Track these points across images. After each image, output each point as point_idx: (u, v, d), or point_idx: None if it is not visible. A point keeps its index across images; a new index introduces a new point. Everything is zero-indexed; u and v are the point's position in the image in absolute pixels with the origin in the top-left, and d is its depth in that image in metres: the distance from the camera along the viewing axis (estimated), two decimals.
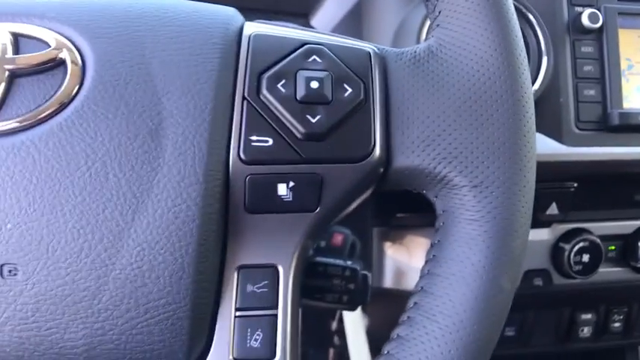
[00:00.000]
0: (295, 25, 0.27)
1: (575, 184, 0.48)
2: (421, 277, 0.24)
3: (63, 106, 0.22)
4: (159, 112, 0.22)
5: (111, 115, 0.22)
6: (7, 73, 0.22)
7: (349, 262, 0.32)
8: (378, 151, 0.24)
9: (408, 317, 0.23)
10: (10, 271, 0.21)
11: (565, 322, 0.54)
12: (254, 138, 0.23)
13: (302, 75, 0.24)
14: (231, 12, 0.26)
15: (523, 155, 0.24)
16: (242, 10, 0.52)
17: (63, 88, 0.22)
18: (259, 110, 0.23)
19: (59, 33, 0.23)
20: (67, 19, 0.24)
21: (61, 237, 0.21)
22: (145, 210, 0.22)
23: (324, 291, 0.30)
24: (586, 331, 0.54)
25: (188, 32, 0.24)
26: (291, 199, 0.23)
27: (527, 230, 0.25)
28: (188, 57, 0.23)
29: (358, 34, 0.48)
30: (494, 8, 0.25)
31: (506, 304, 0.24)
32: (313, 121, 0.23)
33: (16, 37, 0.23)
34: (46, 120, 0.22)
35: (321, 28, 0.54)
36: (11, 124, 0.22)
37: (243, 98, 0.23)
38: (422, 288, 0.24)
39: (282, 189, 0.23)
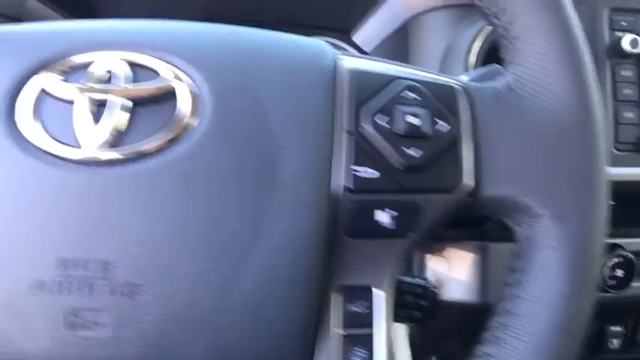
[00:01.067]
0: (384, 60, 0.30)
1: (613, 203, 0.50)
2: (505, 299, 0.27)
3: (181, 136, 0.24)
4: (272, 144, 0.24)
5: (228, 146, 0.24)
6: (130, 101, 0.24)
7: (419, 279, 0.34)
8: (467, 181, 0.26)
9: (496, 337, 0.26)
10: (136, 292, 0.23)
11: (595, 334, 0.57)
12: (357, 168, 0.25)
13: (400, 110, 0.26)
14: (324, 45, 0.28)
15: (599, 185, 0.26)
16: (285, 25, 0.55)
17: (179, 117, 0.24)
18: (361, 143, 0.25)
19: (171, 64, 0.25)
20: (180, 50, 0.26)
21: (185, 260, 0.23)
22: (263, 234, 0.24)
23: (396, 307, 0.32)
24: (615, 343, 0.56)
25: (292, 65, 0.26)
26: (389, 225, 0.25)
27: (602, 255, 0.27)
28: (294, 90, 0.25)
29: (404, 54, 0.51)
30: (570, 49, 0.27)
31: (585, 325, 0.26)
32: (412, 154, 0.25)
33: (134, 67, 0.25)
34: (167, 148, 0.24)
35: (363, 45, 0.56)
36: (136, 151, 0.24)
37: (345, 131, 0.25)
38: (507, 310, 0.26)
39: (381, 216, 0.25)
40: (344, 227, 0.25)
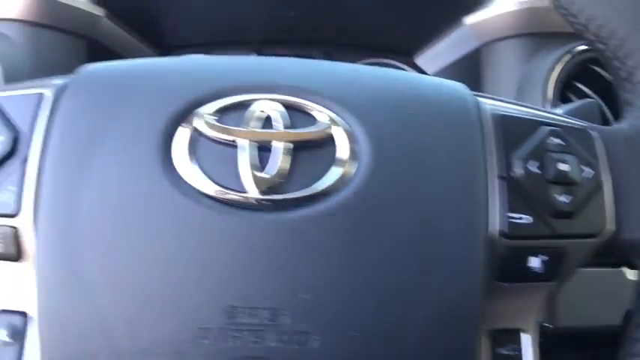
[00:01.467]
0: (516, 102, 0.30)
1: None
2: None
3: (342, 182, 0.24)
4: (430, 189, 0.25)
5: (388, 191, 0.24)
6: (291, 145, 0.24)
7: None
8: (609, 225, 0.27)
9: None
10: (305, 340, 0.23)
11: None
12: (511, 215, 0.25)
13: (550, 156, 0.26)
14: (461, 86, 0.28)
15: None
16: (349, 47, 0.55)
17: (340, 162, 0.24)
18: (514, 188, 0.26)
19: (327, 107, 0.25)
20: (334, 94, 0.26)
21: (353, 307, 0.23)
22: (428, 282, 0.24)
23: None
24: None
25: (440, 109, 0.26)
26: (540, 270, 0.26)
27: None
28: (446, 134, 0.26)
29: (474, 80, 0.51)
30: None
31: None
32: (563, 200, 0.26)
33: (288, 110, 0.25)
34: (329, 194, 0.24)
35: (427, 68, 0.57)
36: (301, 196, 0.24)
37: (497, 176, 0.26)
38: None
39: (533, 261, 0.26)
40: (496, 272, 0.25)
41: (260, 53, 0.58)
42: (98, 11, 0.50)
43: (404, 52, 0.58)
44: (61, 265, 0.23)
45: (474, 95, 0.28)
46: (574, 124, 0.28)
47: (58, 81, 0.28)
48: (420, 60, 0.57)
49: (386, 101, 0.26)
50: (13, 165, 0.25)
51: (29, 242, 0.25)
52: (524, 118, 0.27)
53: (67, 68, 0.49)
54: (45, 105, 0.26)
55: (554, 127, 0.27)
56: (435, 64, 0.56)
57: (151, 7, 0.54)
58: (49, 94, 0.27)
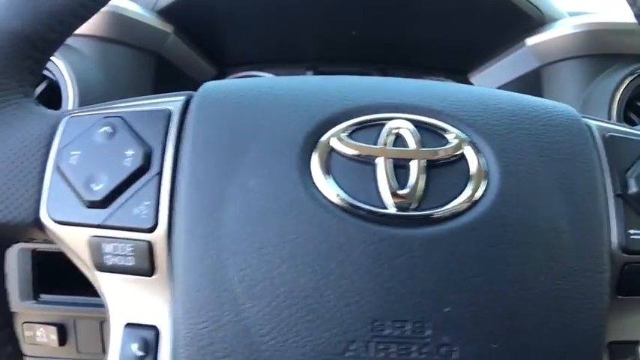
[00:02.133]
0: (616, 122, 0.31)
1: None
2: None
3: (475, 200, 0.25)
4: (557, 210, 0.26)
5: (517, 212, 0.25)
6: (425, 162, 0.26)
7: None
8: None
9: None
10: (446, 352, 0.24)
11: None
12: (632, 232, 0.27)
13: None
14: (571, 108, 0.30)
15: None
16: (403, 64, 0.56)
17: (473, 181, 0.26)
18: (631, 206, 0.27)
19: (456, 127, 0.27)
20: (463, 115, 0.27)
21: (493, 319, 0.24)
22: (562, 293, 0.25)
23: None
24: None
25: (563, 131, 0.28)
26: None
27: None
28: (569, 157, 0.27)
29: None
30: None
31: None
32: None
33: (419, 129, 0.26)
34: (464, 211, 0.25)
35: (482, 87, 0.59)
36: (437, 213, 0.25)
37: (615, 195, 0.27)
38: None
39: None
40: (616, 286, 0.27)
41: (316, 70, 0.59)
42: (167, 28, 0.52)
43: (458, 70, 0.59)
44: (205, 279, 0.24)
45: (581, 116, 0.30)
46: None
47: (178, 97, 0.29)
48: (475, 78, 0.59)
49: (507, 120, 0.27)
50: (148, 180, 0.26)
51: (161, 257, 0.26)
52: (632, 138, 0.29)
53: (135, 82, 0.51)
54: (174, 121, 0.28)
55: None
56: (489, 82, 0.57)
57: (213, 26, 0.55)
58: (174, 110, 0.28)
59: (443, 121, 0.27)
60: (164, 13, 0.52)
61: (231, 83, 0.29)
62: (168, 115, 0.28)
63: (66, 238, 0.27)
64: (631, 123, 0.49)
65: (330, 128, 0.26)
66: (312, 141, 0.26)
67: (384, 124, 0.26)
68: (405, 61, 0.59)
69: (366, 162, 0.26)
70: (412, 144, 0.26)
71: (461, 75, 0.59)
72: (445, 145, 0.26)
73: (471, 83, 0.60)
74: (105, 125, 0.27)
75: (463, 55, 0.58)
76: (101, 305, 0.55)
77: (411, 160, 0.25)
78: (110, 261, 0.26)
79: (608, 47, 0.50)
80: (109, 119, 0.28)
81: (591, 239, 0.26)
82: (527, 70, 0.54)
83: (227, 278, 0.24)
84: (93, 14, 0.31)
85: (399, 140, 0.26)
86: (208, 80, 0.65)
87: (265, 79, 0.30)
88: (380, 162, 0.25)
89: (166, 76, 0.53)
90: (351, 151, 0.26)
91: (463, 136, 0.26)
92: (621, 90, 0.47)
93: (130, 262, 0.26)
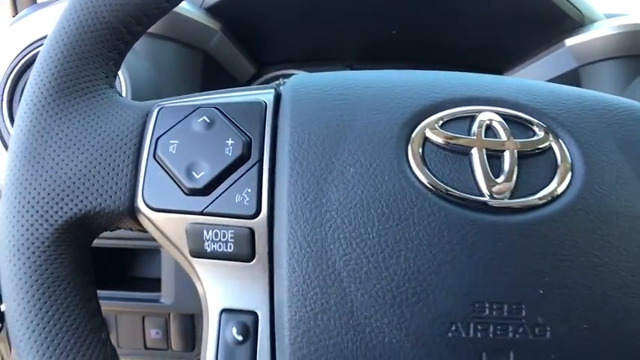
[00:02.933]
0: None
1: None
2: None
3: (561, 193, 0.27)
4: (636, 199, 0.27)
5: (606, 206, 0.27)
6: (516, 153, 0.27)
7: None
8: None
9: None
10: (540, 332, 0.26)
11: None
12: None
13: None
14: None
15: None
16: (439, 63, 0.58)
17: (558, 175, 0.27)
18: None
19: (542, 122, 0.28)
20: (551, 111, 0.29)
21: (583, 301, 0.26)
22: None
23: None
24: None
25: (637, 126, 0.29)
26: None
27: None
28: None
29: None
30: None
31: None
32: None
33: (507, 122, 0.28)
34: (554, 200, 0.27)
35: None
36: (530, 201, 0.26)
37: None
38: None
39: None
40: None
41: (352, 69, 0.61)
42: (215, 25, 0.53)
43: (493, 69, 0.61)
44: (310, 264, 0.26)
45: None
46: None
47: (267, 90, 0.30)
48: (510, 77, 0.61)
49: (589, 115, 0.29)
50: (249, 168, 0.28)
51: (262, 243, 0.27)
52: None
53: (184, 78, 0.52)
54: (269, 112, 0.29)
55: None
56: None
57: (256, 24, 0.57)
58: (268, 102, 0.29)
59: (529, 115, 0.28)
60: (211, 11, 0.53)
61: (320, 76, 0.31)
62: (263, 106, 0.29)
63: (163, 225, 0.28)
64: None
65: (423, 120, 0.28)
66: (407, 131, 0.27)
67: (474, 117, 0.28)
68: (440, 60, 0.60)
69: (461, 152, 0.27)
70: (503, 135, 0.27)
71: (495, 73, 0.61)
72: (532, 137, 0.28)
73: None
74: (202, 115, 0.29)
75: (500, 54, 0.60)
76: (143, 300, 0.56)
77: (504, 150, 0.27)
78: (210, 247, 0.27)
79: None
80: (205, 109, 0.29)
81: None
82: (565, 70, 0.56)
83: (331, 262, 0.26)
84: (173, 8, 0.33)
85: (489, 132, 0.28)
86: (248, 78, 0.67)
87: (353, 72, 0.31)
88: (475, 152, 0.27)
89: (212, 73, 0.54)
90: (445, 141, 0.27)
91: (550, 129, 0.28)
92: None
93: (230, 248, 0.27)
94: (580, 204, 0.27)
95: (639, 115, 0.30)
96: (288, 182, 0.27)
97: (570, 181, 0.27)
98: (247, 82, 0.60)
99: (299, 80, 0.30)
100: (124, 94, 0.47)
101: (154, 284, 0.54)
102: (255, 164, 0.28)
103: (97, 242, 0.51)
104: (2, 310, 0.76)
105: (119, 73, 0.47)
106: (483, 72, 0.57)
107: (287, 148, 0.27)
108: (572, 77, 0.55)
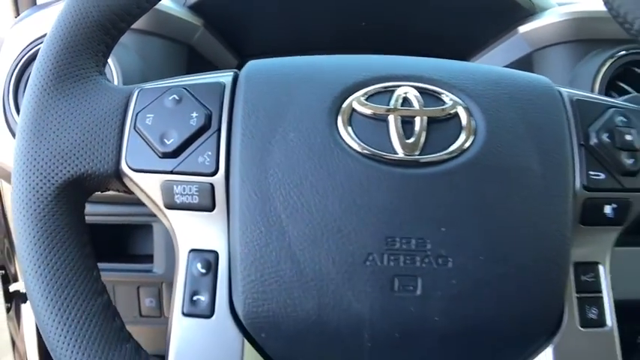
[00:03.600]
0: (583, 90, 0.40)
1: None
2: None
3: (464, 151, 0.34)
4: (530, 155, 0.34)
5: (499, 156, 0.34)
6: (426, 119, 0.34)
7: None
8: None
9: None
10: (443, 262, 0.33)
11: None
12: (591, 173, 0.35)
13: (618, 130, 0.36)
14: (545, 78, 0.39)
15: None
16: (410, 52, 0.65)
17: (462, 136, 0.34)
18: (592, 153, 0.36)
19: (451, 93, 0.35)
20: (458, 84, 0.36)
21: (477, 239, 0.33)
22: (533, 221, 0.33)
23: None
24: None
25: (535, 95, 0.36)
26: (611, 216, 0.35)
27: None
28: (542, 114, 0.36)
29: None
30: None
31: None
32: (629, 162, 0.35)
33: (421, 94, 0.35)
34: (457, 155, 0.34)
35: None
36: (435, 157, 0.34)
37: (579, 144, 0.36)
38: None
39: (607, 209, 0.35)
40: (580, 217, 0.35)
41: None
42: (197, 22, 0.61)
43: (457, 56, 0.68)
44: (257, 210, 0.33)
45: (554, 85, 0.39)
46: (633, 107, 0.39)
47: (227, 73, 0.38)
48: (475, 63, 0.68)
49: (493, 87, 0.36)
50: (209, 135, 0.35)
51: (220, 195, 0.35)
52: (595, 101, 0.38)
53: (169, 70, 0.60)
54: (227, 90, 0.37)
55: (619, 109, 0.37)
56: None
57: (237, 20, 0.64)
58: (227, 82, 0.37)
59: (441, 88, 0.35)
60: (194, 8, 0.61)
61: (271, 61, 0.38)
62: (223, 86, 0.37)
63: (142, 183, 0.36)
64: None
65: (352, 94, 0.35)
66: (338, 103, 0.35)
67: (394, 90, 0.35)
68: (412, 49, 0.67)
69: (381, 119, 0.34)
70: (416, 105, 0.35)
71: (462, 60, 0.68)
72: (442, 106, 0.35)
73: None
74: (173, 94, 0.36)
75: (463, 42, 0.67)
76: (137, 271, 0.63)
77: (416, 117, 0.34)
78: (179, 200, 0.35)
79: (591, 33, 0.58)
80: (175, 89, 0.36)
81: (558, 178, 0.34)
82: (520, 55, 0.62)
83: (273, 208, 0.33)
84: (152, 7, 0.40)
85: (405, 103, 0.35)
86: (231, 68, 0.75)
87: (298, 57, 0.39)
88: (391, 119, 0.34)
89: (196, 65, 0.61)
90: (368, 111, 0.34)
91: (457, 99, 0.35)
92: (602, 71, 0.56)
93: (196, 200, 0.35)
94: (480, 158, 0.34)
95: (536, 86, 0.37)
96: (240, 146, 0.34)
97: (473, 140, 0.34)
98: None
99: (253, 65, 0.38)
100: (115, 83, 0.55)
101: (148, 259, 0.62)
102: (214, 132, 0.35)
103: (99, 219, 0.59)
104: (12, 290, 0.85)
105: (111, 64, 0.54)
106: (450, 58, 0.65)
107: (240, 119, 0.35)
108: (526, 61, 0.62)
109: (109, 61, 0.54)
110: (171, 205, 0.35)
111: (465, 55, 0.69)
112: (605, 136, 0.36)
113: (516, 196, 0.34)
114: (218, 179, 0.35)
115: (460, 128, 0.35)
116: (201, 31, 0.61)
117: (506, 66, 0.64)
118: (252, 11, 0.63)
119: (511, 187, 0.34)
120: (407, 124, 0.34)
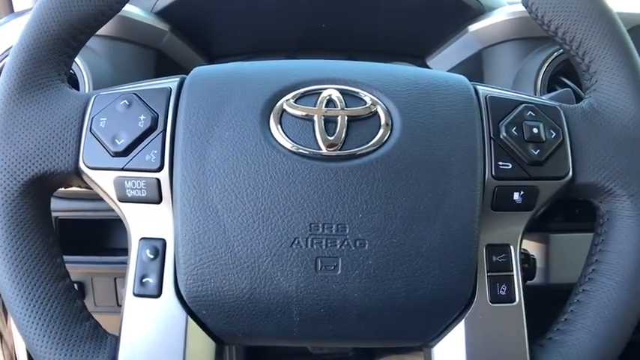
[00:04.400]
0: (500, 87, 0.45)
1: None
2: (593, 254, 0.42)
3: (383, 143, 0.39)
4: (443, 146, 0.39)
5: (415, 149, 0.39)
6: (346, 118, 0.39)
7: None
8: (570, 172, 0.41)
9: (589, 279, 0.41)
10: (360, 245, 0.38)
11: None
12: (500, 163, 0.40)
13: (527, 124, 0.41)
14: (463, 78, 0.43)
15: None
16: (369, 52, 0.70)
17: (380, 132, 0.39)
18: (501, 145, 0.40)
19: (371, 94, 0.40)
20: (377, 85, 0.40)
21: (391, 223, 0.38)
22: (444, 206, 0.38)
23: None
24: None
25: (449, 92, 0.41)
26: (520, 202, 0.40)
27: None
28: (455, 111, 0.40)
29: (478, 78, 0.66)
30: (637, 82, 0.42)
31: None
32: (535, 153, 0.40)
33: (343, 95, 0.40)
34: (375, 150, 0.39)
35: (438, 69, 0.72)
36: (354, 151, 0.38)
37: (490, 137, 0.41)
38: (597, 260, 0.41)
39: (516, 195, 0.40)
40: (491, 203, 0.40)
41: (294, 59, 0.73)
42: (164, 27, 0.66)
43: (417, 55, 0.73)
44: (196, 201, 0.38)
45: (472, 83, 0.43)
46: (546, 102, 0.43)
47: (174, 79, 0.43)
48: (431, 62, 0.72)
49: (410, 87, 0.41)
50: (155, 136, 0.40)
51: (166, 189, 0.40)
52: (507, 98, 0.42)
53: (138, 73, 0.65)
54: (172, 95, 0.41)
55: (529, 104, 0.42)
56: (444, 65, 0.70)
57: (204, 24, 0.69)
58: (173, 87, 0.42)
59: (362, 90, 0.40)
60: (161, 14, 0.66)
61: (212, 67, 0.43)
62: (169, 91, 0.42)
63: (98, 179, 0.41)
64: None
65: (283, 96, 0.40)
66: (270, 105, 0.40)
67: (320, 93, 0.40)
68: (371, 49, 0.72)
69: (308, 119, 0.39)
70: (339, 106, 0.39)
71: (420, 60, 0.73)
72: (362, 105, 0.40)
73: (428, 67, 0.73)
74: (123, 99, 0.41)
75: (417, 42, 0.71)
76: (114, 263, 0.69)
77: (338, 116, 0.39)
78: (130, 194, 0.40)
79: (536, 31, 0.62)
80: (126, 95, 0.41)
81: (467, 168, 0.39)
82: (471, 53, 0.67)
83: (210, 199, 0.38)
84: (110, 19, 0.45)
85: (330, 104, 0.40)
86: None
87: (239, 63, 0.43)
88: (316, 119, 0.39)
89: (165, 68, 0.66)
90: (297, 112, 0.39)
91: (376, 99, 0.40)
92: (545, 66, 0.60)
93: (144, 193, 0.40)
94: (395, 152, 0.39)
95: (452, 85, 0.42)
96: (182, 144, 0.39)
97: (389, 136, 0.39)
98: None
99: (197, 71, 0.43)
100: (86, 88, 0.60)
101: (124, 252, 0.67)
102: (160, 133, 0.40)
103: (77, 215, 0.64)
104: None
105: (82, 70, 0.59)
106: (408, 59, 0.70)
107: (182, 120, 0.40)
108: (477, 59, 0.67)
109: (80, 67, 0.59)
110: (123, 199, 0.40)
111: (422, 55, 0.73)
112: (513, 130, 0.40)
113: (428, 185, 0.38)
114: (163, 175, 0.40)
115: (379, 125, 0.39)
116: (168, 36, 0.66)
117: (459, 63, 0.69)
118: (216, 15, 0.68)
119: (423, 177, 0.38)
120: (331, 122, 0.39)
